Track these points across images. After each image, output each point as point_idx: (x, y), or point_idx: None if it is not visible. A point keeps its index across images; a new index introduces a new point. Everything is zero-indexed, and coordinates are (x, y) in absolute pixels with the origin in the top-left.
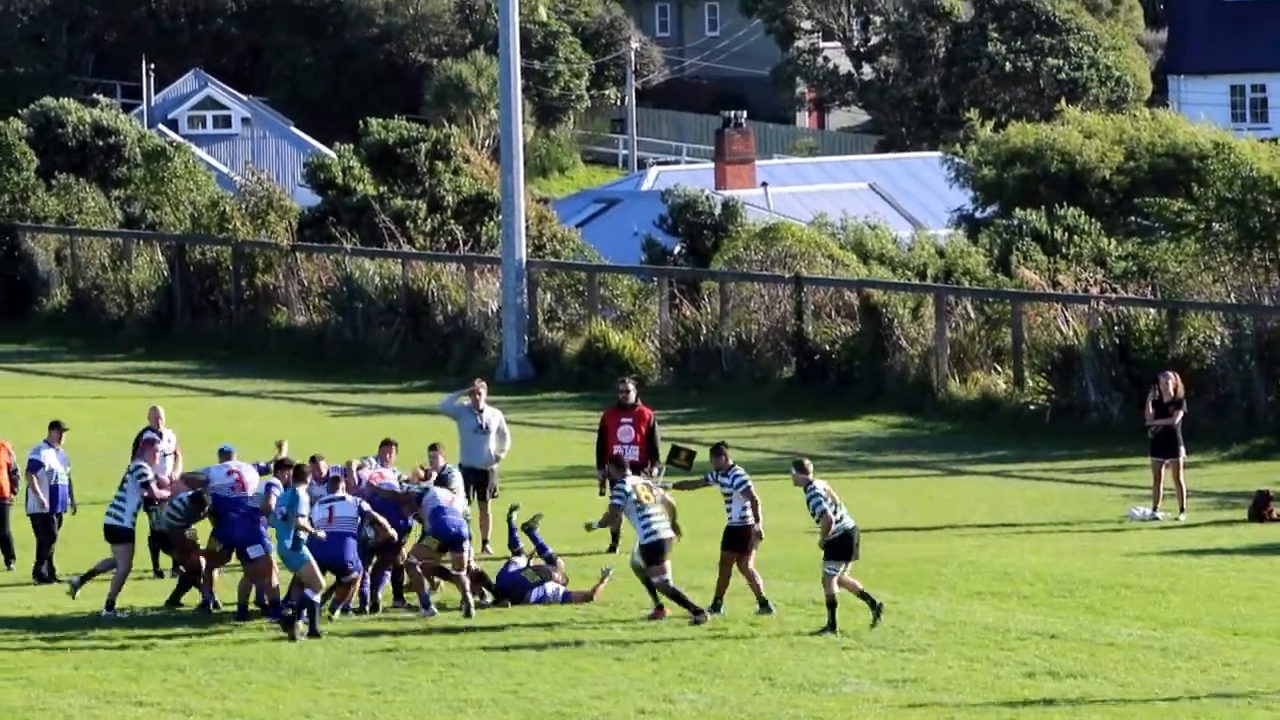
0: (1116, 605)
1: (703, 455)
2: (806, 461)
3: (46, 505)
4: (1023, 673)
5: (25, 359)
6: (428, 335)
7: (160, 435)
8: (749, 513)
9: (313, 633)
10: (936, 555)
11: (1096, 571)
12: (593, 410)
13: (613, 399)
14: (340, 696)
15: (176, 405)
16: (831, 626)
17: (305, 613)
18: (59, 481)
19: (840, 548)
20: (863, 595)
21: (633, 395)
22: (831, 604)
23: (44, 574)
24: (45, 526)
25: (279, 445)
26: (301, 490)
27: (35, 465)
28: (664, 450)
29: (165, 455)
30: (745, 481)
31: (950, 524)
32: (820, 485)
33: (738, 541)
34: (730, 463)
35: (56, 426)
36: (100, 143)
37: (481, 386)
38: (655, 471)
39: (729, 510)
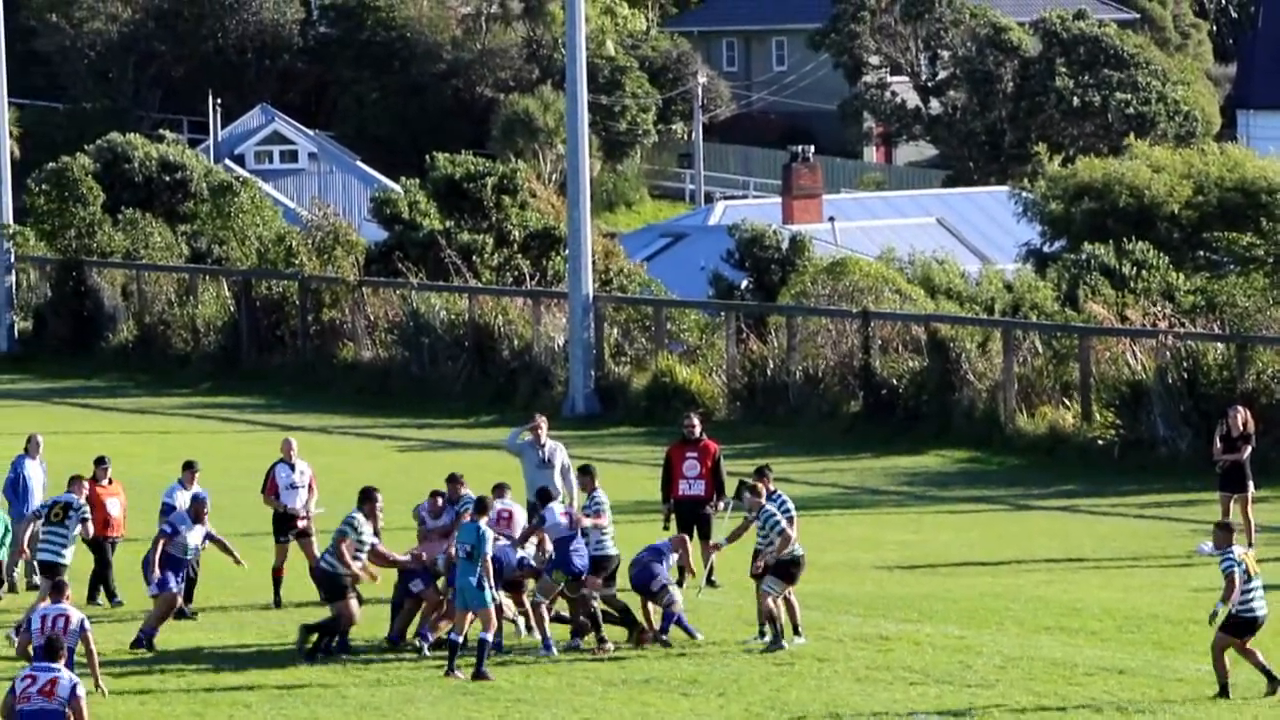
0: (1185, 640)
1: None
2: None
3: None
4: (1091, 708)
5: (92, 394)
6: (494, 370)
7: (293, 467)
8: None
9: (449, 671)
10: (1004, 590)
11: (1165, 606)
12: (659, 445)
13: (678, 434)
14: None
15: (242, 441)
16: (776, 640)
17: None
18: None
19: (790, 572)
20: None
21: (698, 429)
22: (771, 619)
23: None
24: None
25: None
26: (484, 524)
27: (168, 509)
28: (731, 485)
29: (298, 488)
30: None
31: (1017, 559)
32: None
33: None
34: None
35: (190, 467)
36: (166, 178)
37: (543, 421)
38: (722, 506)
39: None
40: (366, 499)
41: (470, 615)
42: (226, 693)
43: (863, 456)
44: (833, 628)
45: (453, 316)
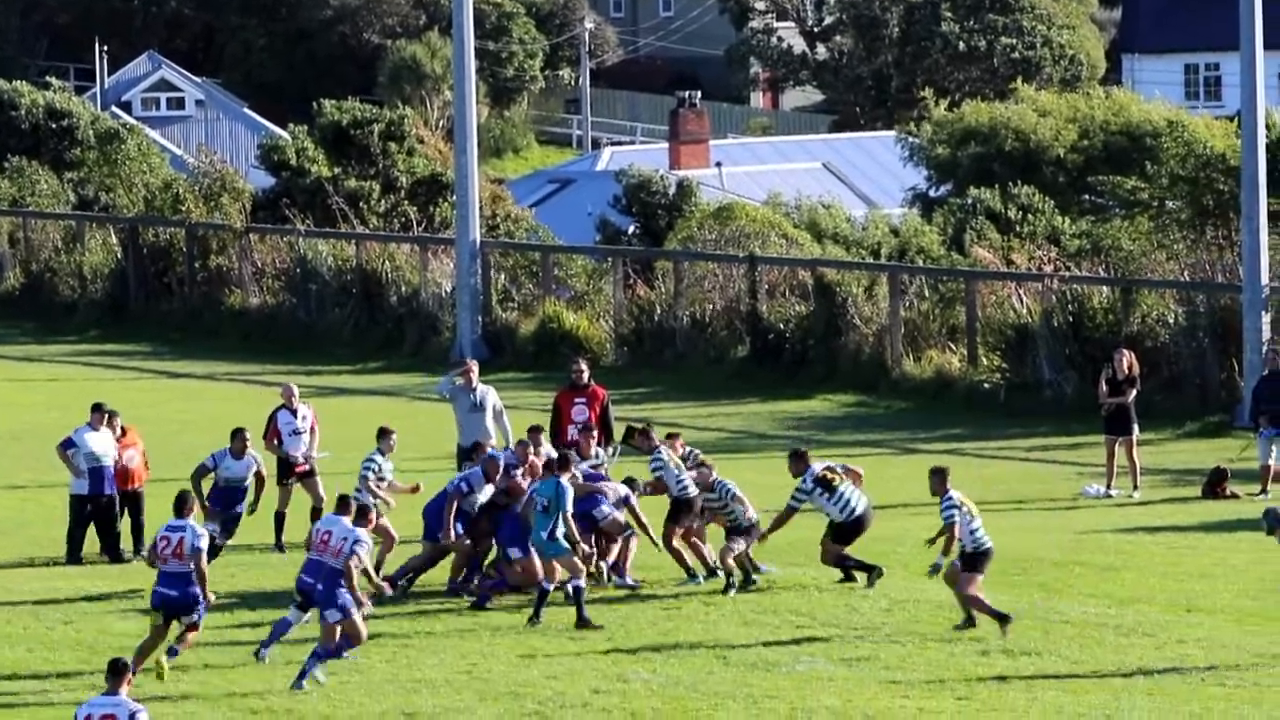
0: (1070, 583)
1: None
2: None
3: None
4: (977, 651)
5: None
6: (381, 316)
7: (295, 412)
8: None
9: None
10: (890, 534)
11: (1050, 549)
12: (547, 390)
13: (566, 379)
14: (294, 677)
15: (130, 388)
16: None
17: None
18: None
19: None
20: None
21: (586, 375)
22: (729, 572)
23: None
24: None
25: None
26: (565, 480)
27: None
28: (619, 430)
29: (300, 433)
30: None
31: (904, 503)
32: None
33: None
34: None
35: (98, 409)
36: (53, 125)
37: (474, 365)
38: (610, 452)
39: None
40: (383, 435)
41: (556, 565)
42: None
43: (749, 401)
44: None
45: (340, 263)
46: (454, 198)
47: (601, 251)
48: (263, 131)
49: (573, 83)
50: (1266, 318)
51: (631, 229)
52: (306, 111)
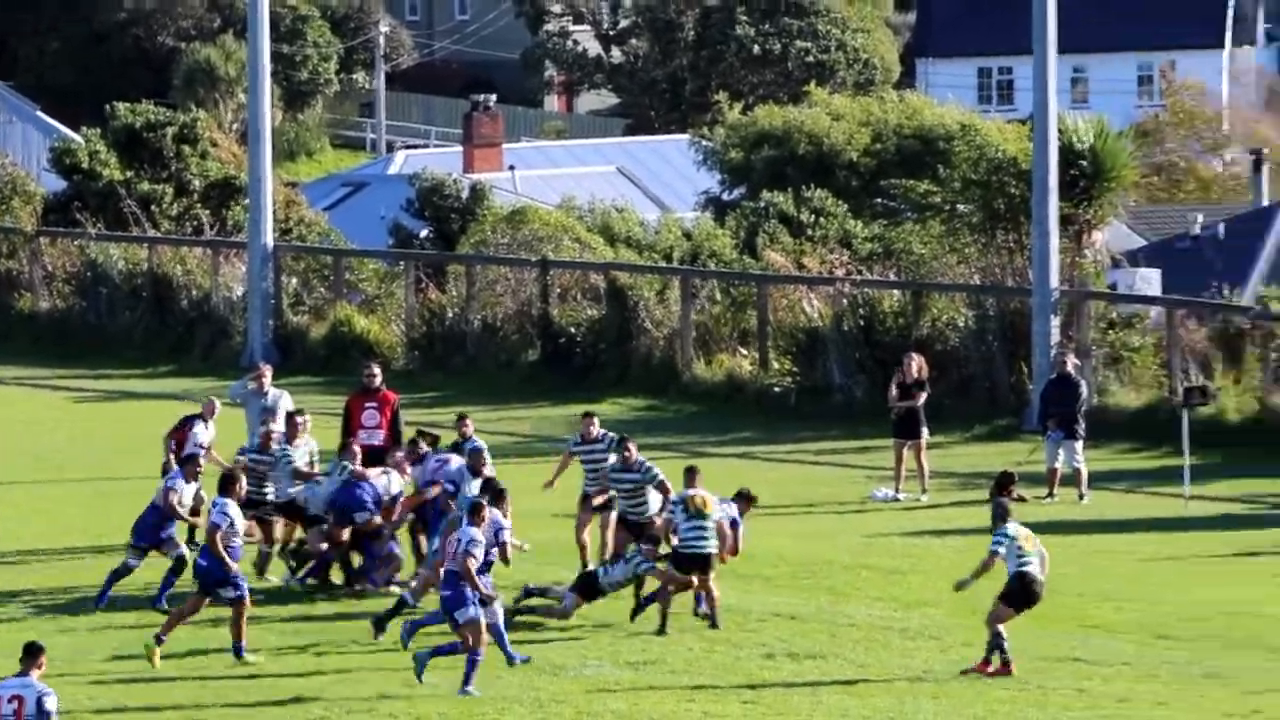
0: (858, 586)
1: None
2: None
3: None
4: (762, 654)
5: None
6: (172, 320)
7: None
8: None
9: None
10: None
11: (838, 553)
12: (338, 394)
13: (358, 383)
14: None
15: None
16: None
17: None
18: None
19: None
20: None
21: (378, 379)
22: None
23: None
24: None
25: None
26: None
27: None
28: (408, 433)
29: (202, 446)
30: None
31: None
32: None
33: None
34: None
35: None
36: None
37: (267, 370)
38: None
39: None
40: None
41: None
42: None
43: (540, 405)
44: (505, 575)
45: (131, 266)
46: (247, 201)
47: (393, 255)
48: (55, 134)
49: (367, 86)
50: (1055, 321)
51: (424, 233)
52: (100, 115)
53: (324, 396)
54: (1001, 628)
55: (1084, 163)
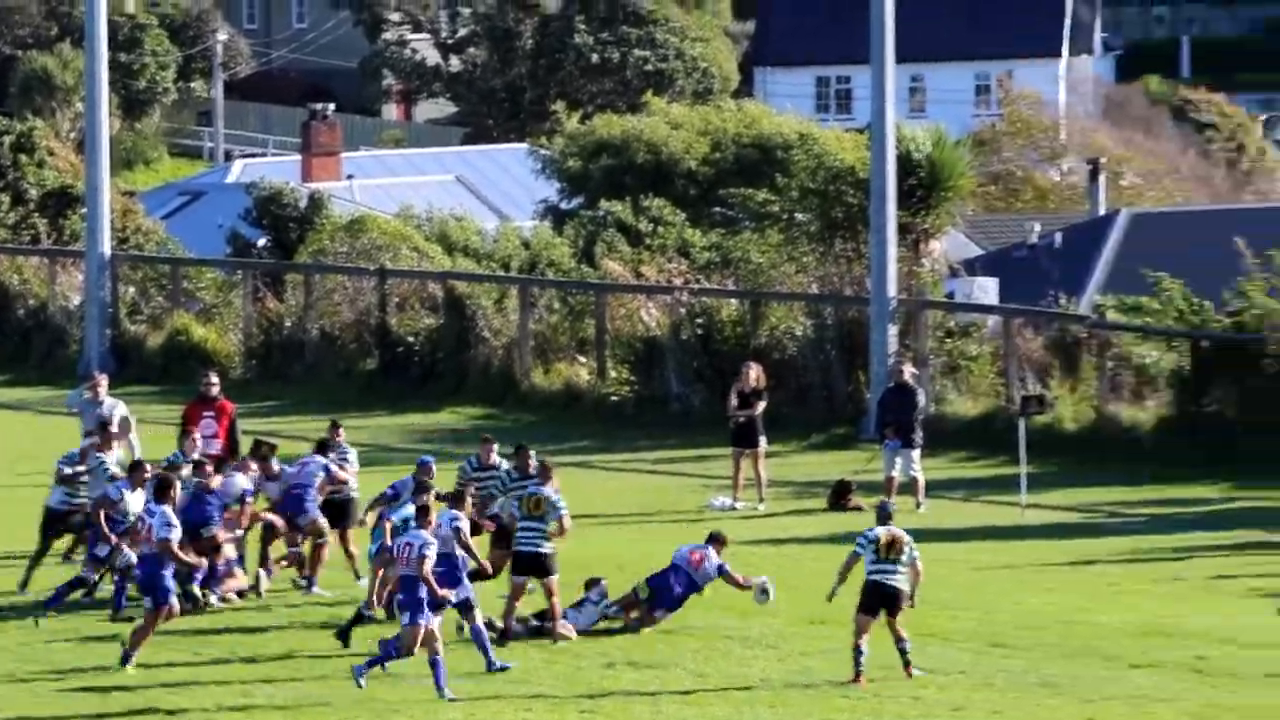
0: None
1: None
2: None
3: None
4: (602, 663)
5: None
6: (9, 329)
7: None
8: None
9: None
10: None
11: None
12: (175, 404)
13: (195, 392)
14: None
15: None
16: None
17: None
18: None
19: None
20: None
21: (216, 388)
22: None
23: None
24: None
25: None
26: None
27: None
28: (245, 442)
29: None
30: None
31: None
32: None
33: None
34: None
35: None
36: None
37: (102, 379)
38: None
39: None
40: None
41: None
42: None
43: (378, 414)
44: (326, 585)
45: None
46: (84, 210)
47: (231, 264)
48: None
49: (205, 95)
50: (893, 330)
51: (262, 242)
52: None
53: (161, 406)
54: (863, 641)
55: (921, 172)
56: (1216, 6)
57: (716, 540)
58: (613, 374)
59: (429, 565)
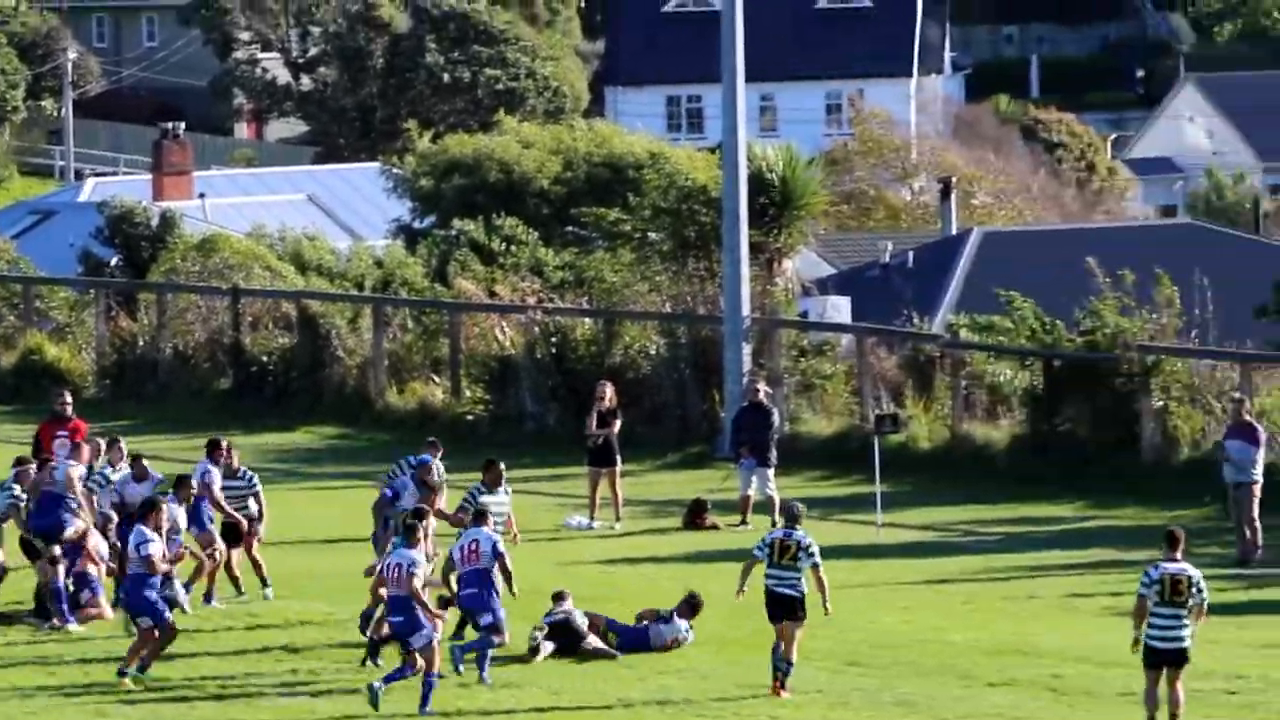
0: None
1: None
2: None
3: None
4: (457, 683)
5: None
6: None
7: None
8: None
9: None
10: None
11: (534, 580)
12: (28, 423)
13: (49, 411)
14: None
15: None
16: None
17: None
18: None
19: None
20: None
21: (69, 407)
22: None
23: None
24: None
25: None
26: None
27: None
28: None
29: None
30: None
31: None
32: None
33: None
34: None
35: None
36: None
37: None
38: None
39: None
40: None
41: None
42: None
43: (232, 433)
44: (197, 605)
45: None
46: None
47: (83, 283)
48: None
49: (55, 113)
50: (747, 349)
51: (114, 261)
52: None
53: (13, 426)
54: (784, 648)
55: (774, 191)
56: (1064, 27)
57: (691, 605)
58: (467, 393)
59: (418, 583)
